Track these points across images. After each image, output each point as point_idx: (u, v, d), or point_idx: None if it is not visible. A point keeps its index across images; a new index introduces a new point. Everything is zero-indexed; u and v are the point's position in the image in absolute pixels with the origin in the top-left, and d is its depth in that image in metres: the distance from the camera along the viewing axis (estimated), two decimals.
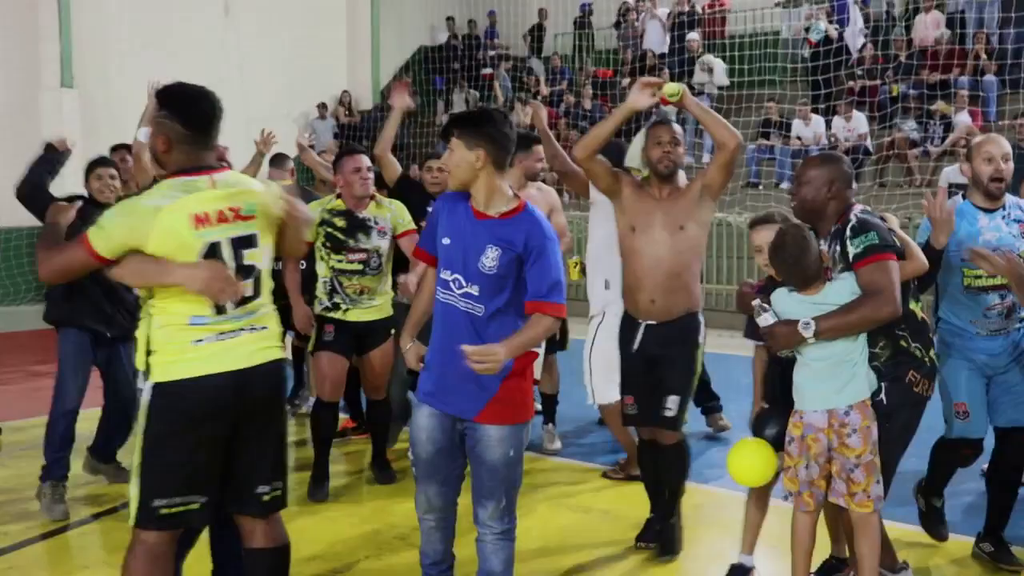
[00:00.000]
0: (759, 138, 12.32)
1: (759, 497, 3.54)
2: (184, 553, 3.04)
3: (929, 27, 12.25)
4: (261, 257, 2.69)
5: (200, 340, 2.58)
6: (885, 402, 3.10)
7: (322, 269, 4.50)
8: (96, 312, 4.39)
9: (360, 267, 4.36)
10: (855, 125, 11.65)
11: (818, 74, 12.20)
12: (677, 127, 3.72)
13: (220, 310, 2.61)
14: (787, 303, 3.13)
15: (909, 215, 8.80)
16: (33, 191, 4.38)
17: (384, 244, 4.44)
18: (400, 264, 4.89)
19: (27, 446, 5.50)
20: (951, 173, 9.76)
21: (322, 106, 15.79)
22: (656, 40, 14.34)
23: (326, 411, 4.48)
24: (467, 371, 2.67)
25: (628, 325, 3.76)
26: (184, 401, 2.58)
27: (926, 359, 3.22)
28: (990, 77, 11.29)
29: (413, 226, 4.48)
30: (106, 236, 2.57)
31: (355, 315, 4.41)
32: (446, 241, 2.86)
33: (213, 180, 2.65)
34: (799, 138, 11.82)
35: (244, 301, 2.66)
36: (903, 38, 12.56)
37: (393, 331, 4.46)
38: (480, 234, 2.77)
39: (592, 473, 5.04)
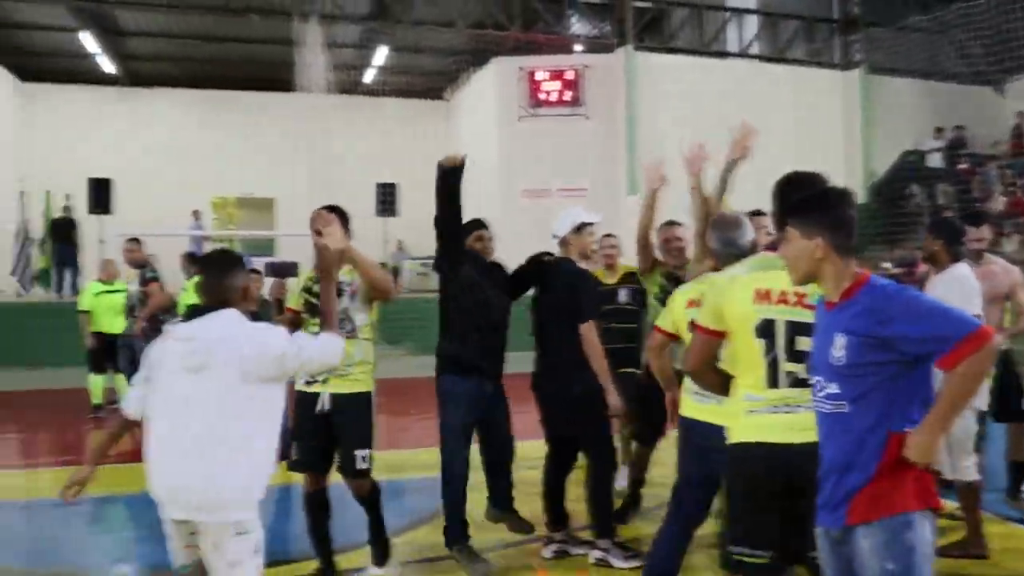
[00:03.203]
0: None
1: None
2: None
3: None
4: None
5: (752, 411, 2.49)
6: None
7: None
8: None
9: None
10: None
11: None
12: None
13: (772, 385, 2.45)
14: None
15: None
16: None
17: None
18: None
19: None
20: None
21: None
22: None
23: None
24: (839, 479, 2.17)
25: None
26: (743, 463, 2.52)
27: None
28: None
29: None
30: (705, 311, 2.62)
31: None
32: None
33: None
34: None
35: (798, 383, 2.41)
36: None
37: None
38: (830, 325, 2.22)
39: None
